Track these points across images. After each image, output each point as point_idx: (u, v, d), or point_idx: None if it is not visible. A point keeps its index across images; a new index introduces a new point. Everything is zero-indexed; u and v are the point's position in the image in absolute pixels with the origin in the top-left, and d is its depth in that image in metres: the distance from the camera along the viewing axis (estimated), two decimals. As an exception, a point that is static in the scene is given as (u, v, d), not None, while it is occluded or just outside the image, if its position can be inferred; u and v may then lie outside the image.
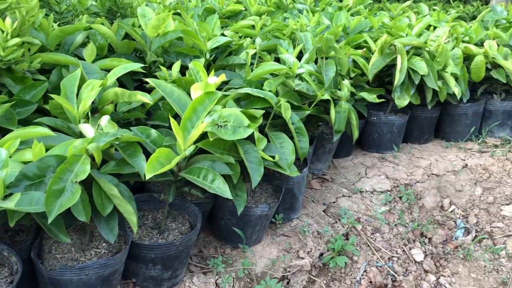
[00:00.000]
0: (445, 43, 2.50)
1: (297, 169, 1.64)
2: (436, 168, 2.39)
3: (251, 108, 1.67)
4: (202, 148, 1.39)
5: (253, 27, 2.60)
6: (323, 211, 2.04)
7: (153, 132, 1.39)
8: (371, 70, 2.31)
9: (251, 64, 2.18)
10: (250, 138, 1.52)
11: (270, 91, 1.79)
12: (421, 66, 2.31)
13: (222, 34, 2.46)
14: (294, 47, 2.25)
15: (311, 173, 2.31)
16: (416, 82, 2.32)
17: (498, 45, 2.70)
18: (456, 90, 2.32)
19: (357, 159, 2.48)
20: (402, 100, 2.37)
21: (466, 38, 2.83)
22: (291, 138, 1.71)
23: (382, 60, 2.33)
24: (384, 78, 2.49)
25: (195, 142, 1.32)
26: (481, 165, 2.45)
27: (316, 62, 2.13)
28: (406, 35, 2.66)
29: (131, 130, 1.32)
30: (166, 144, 1.35)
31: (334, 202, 2.12)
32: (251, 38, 2.41)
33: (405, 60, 2.28)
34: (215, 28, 2.39)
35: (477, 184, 2.39)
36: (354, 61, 2.39)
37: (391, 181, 2.27)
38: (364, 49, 2.47)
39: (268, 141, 1.64)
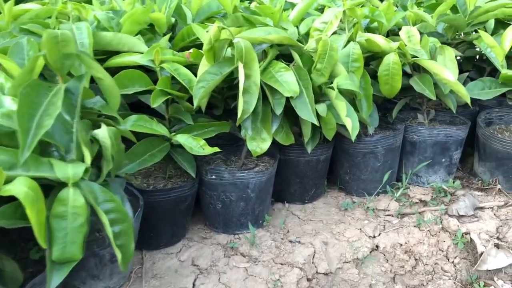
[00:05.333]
0: (332, 34, 1.46)
1: None
2: (324, 261, 1.34)
3: None
4: None
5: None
6: None
7: None
8: (196, 91, 1.22)
9: None
10: None
11: None
12: (287, 81, 1.25)
13: None
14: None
15: (87, 298, 1.19)
16: (278, 112, 1.26)
17: (421, 33, 1.71)
18: (349, 123, 1.27)
19: (189, 250, 1.37)
20: (258, 142, 1.30)
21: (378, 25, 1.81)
22: None
23: (218, 71, 1.25)
24: (230, 102, 1.41)
25: None
26: (401, 244, 1.43)
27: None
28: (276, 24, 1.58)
29: None
30: None
31: None
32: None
33: (254, 71, 1.20)
34: None
35: (395, 280, 1.38)
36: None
37: (239, 304, 1.20)
38: (191, 50, 1.37)
39: None
